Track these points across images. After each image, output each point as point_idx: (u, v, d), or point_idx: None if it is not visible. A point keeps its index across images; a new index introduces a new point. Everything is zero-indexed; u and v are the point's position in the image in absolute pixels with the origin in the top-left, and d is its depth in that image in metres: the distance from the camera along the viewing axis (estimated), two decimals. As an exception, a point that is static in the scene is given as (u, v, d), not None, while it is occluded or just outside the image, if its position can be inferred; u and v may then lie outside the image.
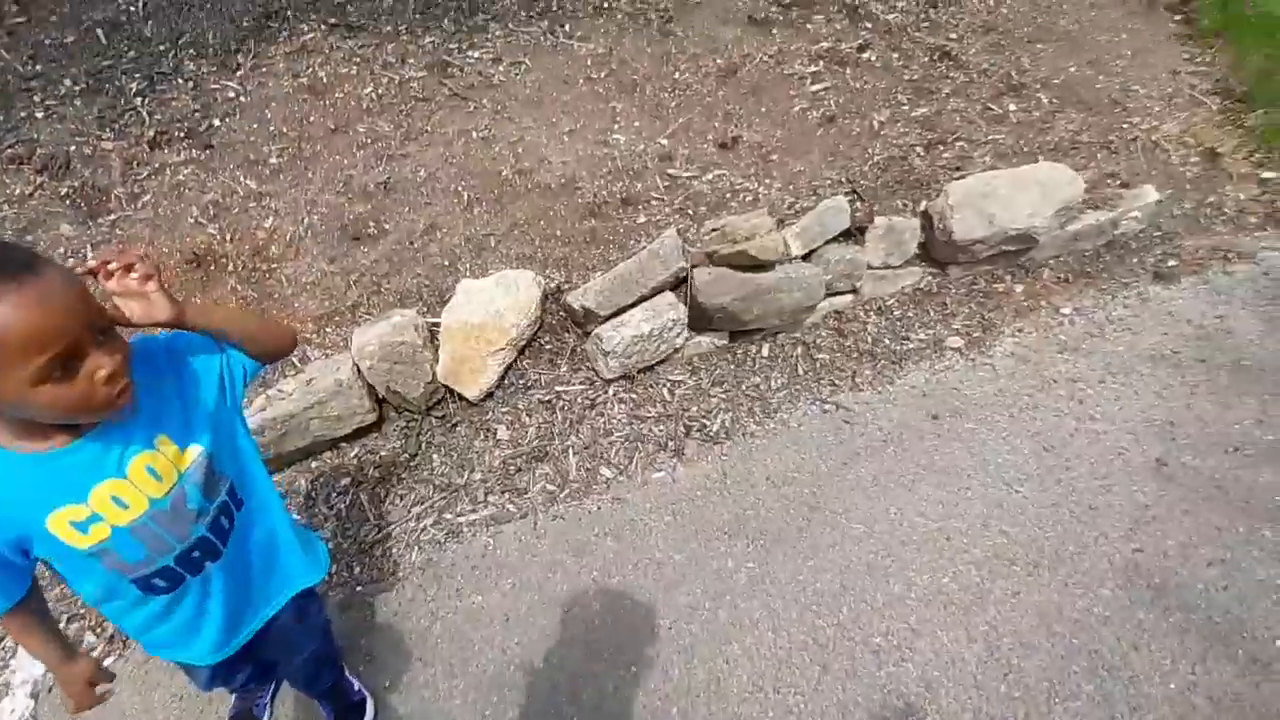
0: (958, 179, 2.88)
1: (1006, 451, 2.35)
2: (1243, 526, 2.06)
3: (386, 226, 2.76)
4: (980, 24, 3.71)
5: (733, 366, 2.73)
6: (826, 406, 2.58)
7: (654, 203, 2.86)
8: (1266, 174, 3.28)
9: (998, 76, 3.46)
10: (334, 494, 2.38)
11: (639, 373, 2.64)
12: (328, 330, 2.52)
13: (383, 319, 2.42)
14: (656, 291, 2.61)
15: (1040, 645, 1.87)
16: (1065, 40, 3.72)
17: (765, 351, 2.76)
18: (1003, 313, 2.80)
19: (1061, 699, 1.77)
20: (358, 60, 3.24)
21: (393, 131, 3.01)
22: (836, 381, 2.66)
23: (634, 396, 2.60)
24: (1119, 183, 3.06)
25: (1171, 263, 2.94)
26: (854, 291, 2.86)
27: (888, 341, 2.76)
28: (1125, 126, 3.32)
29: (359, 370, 2.36)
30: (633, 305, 2.58)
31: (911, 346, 2.74)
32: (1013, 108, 3.33)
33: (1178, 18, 4.24)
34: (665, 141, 3.06)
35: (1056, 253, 2.95)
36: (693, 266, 2.62)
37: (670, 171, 2.96)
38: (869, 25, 3.64)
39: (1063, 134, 3.23)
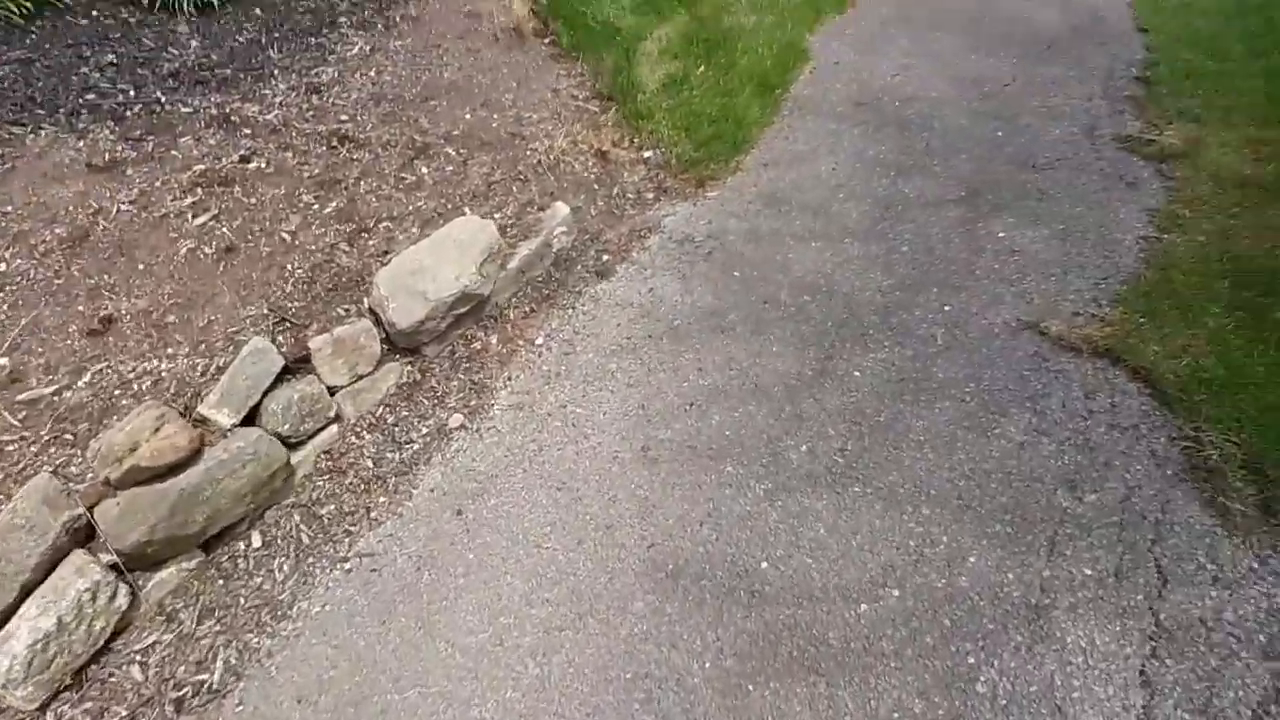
0: (386, 264, 2.78)
1: (529, 510, 2.33)
2: (713, 474, 2.36)
3: None
4: (369, 97, 3.69)
5: (221, 581, 2.22)
6: (349, 564, 2.26)
7: (8, 448, 2.13)
8: (646, 153, 3.93)
9: (403, 144, 3.47)
10: None
11: (81, 671, 1.96)
12: None
13: None
14: (50, 567, 1.95)
15: (604, 701, 1.86)
16: (454, 91, 3.93)
17: (256, 540, 2.31)
18: (488, 370, 2.82)
19: (634, 744, 1.77)
20: None
21: None
22: (351, 528, 2.35)
23: (86, 708, 1.92)
24: (537, 208, 3.32)
25: (605, 258, 3.31)
26: (336, 420, 2.57)
27: (391, 455, 2.54)
28: (529, 154, 3.64)
29: None
30: (19, 602, 1.89)
31: (417, 447, 2.57)
32: (425, 170, 3.38)
33: (546, 41, 4.85)
34: (5, 360, 2.32)
35: (514, 291, 3.08)
36: (91, 507, 2.02)
37: (25, 395, 2.25)
38: (248, 132, 3.32)
39: (478, 181, 3.38)
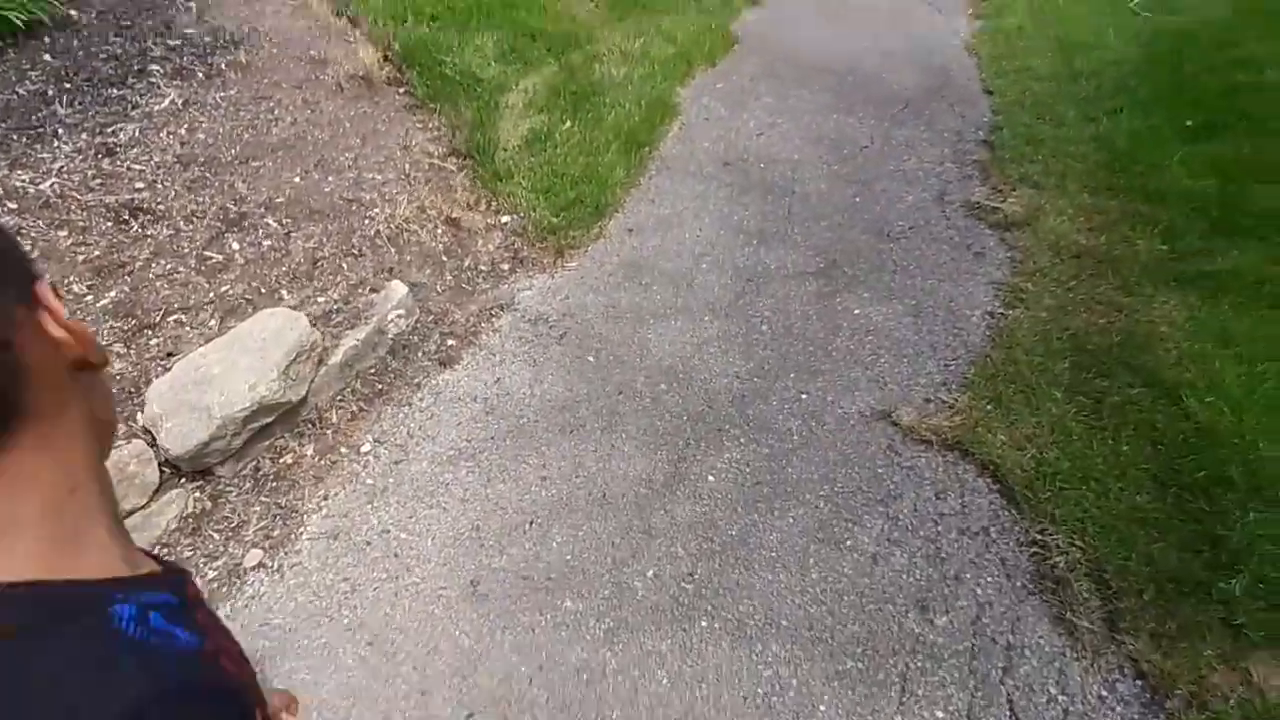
0: (168, 371, 2.32)
1: (330, 675, 1.94)
2: (549, 612, 2.05)
3: None
4: (175, 159, 3.18)
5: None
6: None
7: None
8: (503, 218, 3.62)
9: (212, 215, 2.99)
10: None
11: None
12: None
13: None
14: None
15: None
16: (283, 150, 3.48)
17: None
18: (300, 490, 2.40)
19: None
20: None
21: None
22: (104, 717, 1.87)
23: None
24: (370, 288, 2.93)
25: (451, 343, 2.96)
26: (94, 572, 2.08)
27: (166, 610, 2.07)
28: (367, 223, 3.25)
29: None
30: None
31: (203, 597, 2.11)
32: (237, 246, 2.92)
33: (401, 90, 4.47)
34: None
35: (340, 388, 2.68)
36: None
37: None
38: (13, 206, 2.75)
39: (301, 258, 2.96)
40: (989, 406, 2.47)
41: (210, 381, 2.26)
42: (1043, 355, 2.62)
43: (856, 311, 2.96)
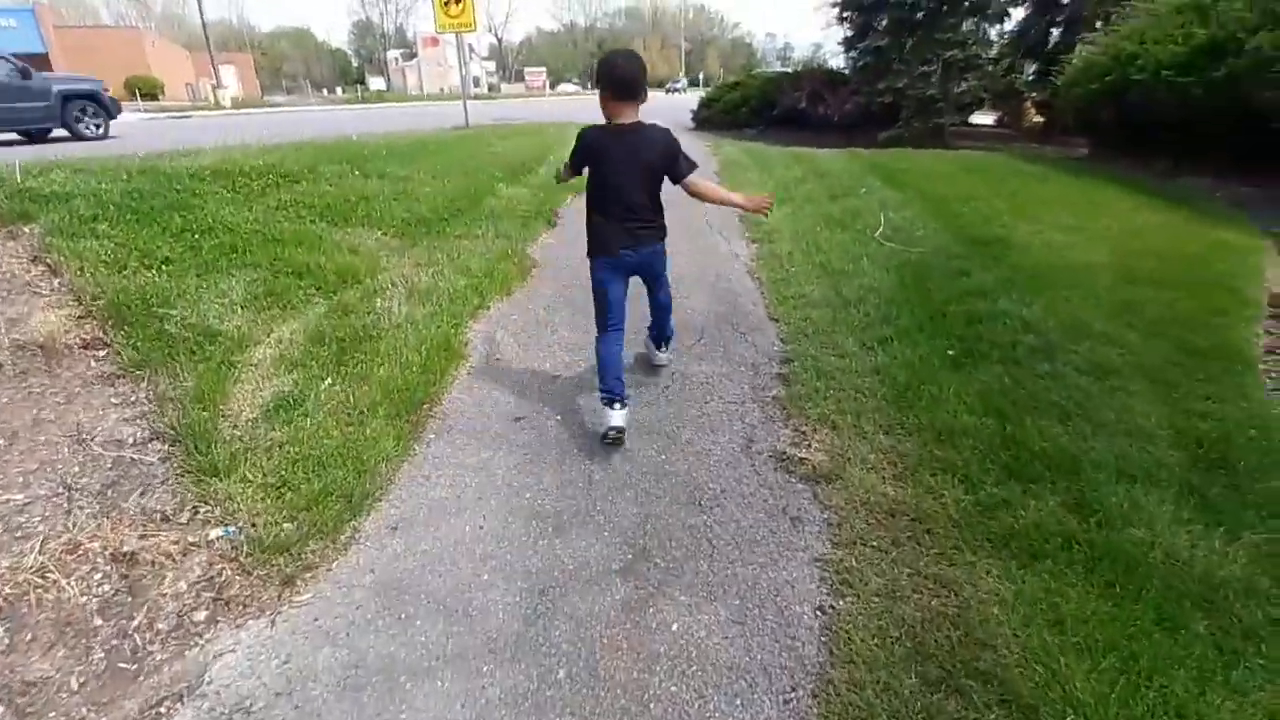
0: None
1: None
2: None
3: None
4: None
5: None
6: None
7: None
8: (213, 532, 2.68)
9: None
10: None
11: None
12: None
13: None
14: None
15: None
16: None
17: None
18: None
19: None
20: None
21: None
22: None
23: None
24: (-83, 728, 1.81)
25: (69, 790, 1.86)
26: None
27: None
28: (-38, 587, 2.15)
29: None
30: None
31: None
32: None
33: (100, 355, 3.52)
34: None
35: None
36: None
37: None
38: None
39: None
40: (844, 771, 1.90)
41: None
42: (885, 668, 2.18)
43: (675, 627, 2.38)
